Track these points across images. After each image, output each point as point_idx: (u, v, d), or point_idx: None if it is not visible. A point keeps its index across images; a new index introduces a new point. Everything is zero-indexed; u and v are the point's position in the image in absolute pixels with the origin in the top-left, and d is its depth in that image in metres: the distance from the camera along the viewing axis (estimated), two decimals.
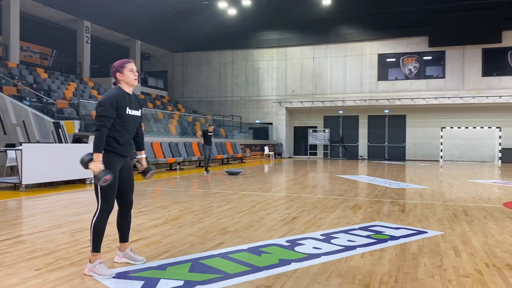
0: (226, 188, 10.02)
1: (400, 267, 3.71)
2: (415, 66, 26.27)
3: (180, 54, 30.70)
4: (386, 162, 24.50)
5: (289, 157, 28.62)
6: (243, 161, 22.51)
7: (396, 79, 26.62)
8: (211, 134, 14.24)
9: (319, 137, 28.25)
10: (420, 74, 26.22)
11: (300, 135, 29.24)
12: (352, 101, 26.70)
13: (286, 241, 4.66)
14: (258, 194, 8.87)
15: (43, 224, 5.54)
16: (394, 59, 26.70)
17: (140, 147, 3.88)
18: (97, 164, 3.39)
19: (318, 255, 4.07)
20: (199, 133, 14.34)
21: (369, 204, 7.52)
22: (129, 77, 3.58)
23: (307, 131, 28.55)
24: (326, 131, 28.12)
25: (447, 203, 7.76)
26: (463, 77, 25.14)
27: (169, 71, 30.98)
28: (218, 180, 12.12)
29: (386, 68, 26.85)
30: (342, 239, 4.76)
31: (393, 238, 4.85)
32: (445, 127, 25.69)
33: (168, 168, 16.14)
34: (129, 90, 3.62)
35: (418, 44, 26.06)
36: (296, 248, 4.36)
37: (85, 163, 3.46)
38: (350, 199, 8.08)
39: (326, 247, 4.41)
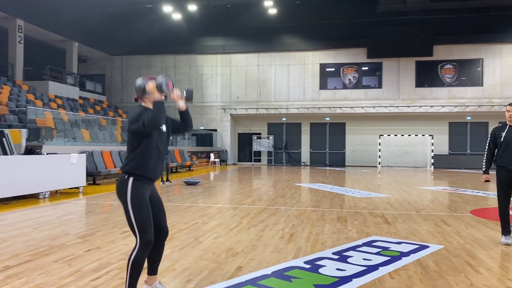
0: (195, 200, 9.69)
1: (436, 287, 3.76)
2: (354, 76, 27.41)
3: (119, 57, 29.45)
4: (328, 168, 25.25)
5: (234, 164, 28.52)
6: (191, 169, 22.05)
7: (336, 88, 27.62)
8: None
9: (263, 144, 28.47)
10: (359, 84, 27.40)
11: (244, 142, 29.26)
12: (296, 108, 27.24)
13: (304, 263, 4.56)
14: (233, 207, 8.67)
15: (25, 252, 4.95)
16: (335, 69, 27.67)
17: None
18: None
19: (349, 278, 4.02)
20: None
21: (351, 216, 7.63)
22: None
23: (251, 138, 28.65)
24: (270, 137, 28.42)
25: (421, 212, 8.10)
26: (399, 87, 26.66)
27: (107, 74, 29.61)
28: (179, 191, 11.71)
29: (327, 77, 27.75)
30: (357, 258, 4.75)
31: (404, 254, 4.93)
32: (382, 135, 27.03)
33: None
34: None
35: (357, 55, 27.22)
36: (321, 271, 4.27)
37: (159, 86, 3.16)
38: (329, 211, 8.16)
39: (348, 268, 4.37)
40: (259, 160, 28.83)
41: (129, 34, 27.23)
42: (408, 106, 26.13)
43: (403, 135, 26.73)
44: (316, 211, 8.20)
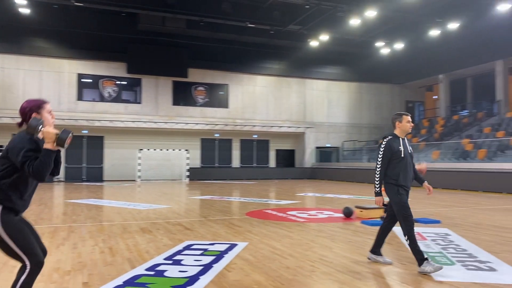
0: None
1: (274, 271, 4.68)
2: (114, 90, 27.23)
3: None
4: (86, 183, 24.20)
5: None
6: None
7: (94, 100, 26.84)
8: None
9: None
10: (118, 98, 27.35)
11: None
12: None
13: (146, 270, 4.79)
14: None
15: None
16: (93, 81, 26.85)
17: None
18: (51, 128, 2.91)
19: (196, 277, 4.51)
20: None
21: (151, 226, 7.98)
22: (48, 120, 3.09)
23: None
24: None
25: (208, 218, 9.13)
26: (157, 104, 27.95)
27: None
28: None
29: (86, 88, 26.68)
30: (189, 260, 5.25)
31: (223, 252, 5.71)
32: (142, 149, 27.62)
33: None
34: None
35: (117, 69, 27.16)
36: (166, 274, 4.61)
37: (34, 128, 2.85)
38: (127, 224, 8.28)
39: (188, 269, 4.84)
40: None
41: None
42: (166, 123, 27.63)
43: (161, 150, 28.02)
44: (115, 225, 8.19)
